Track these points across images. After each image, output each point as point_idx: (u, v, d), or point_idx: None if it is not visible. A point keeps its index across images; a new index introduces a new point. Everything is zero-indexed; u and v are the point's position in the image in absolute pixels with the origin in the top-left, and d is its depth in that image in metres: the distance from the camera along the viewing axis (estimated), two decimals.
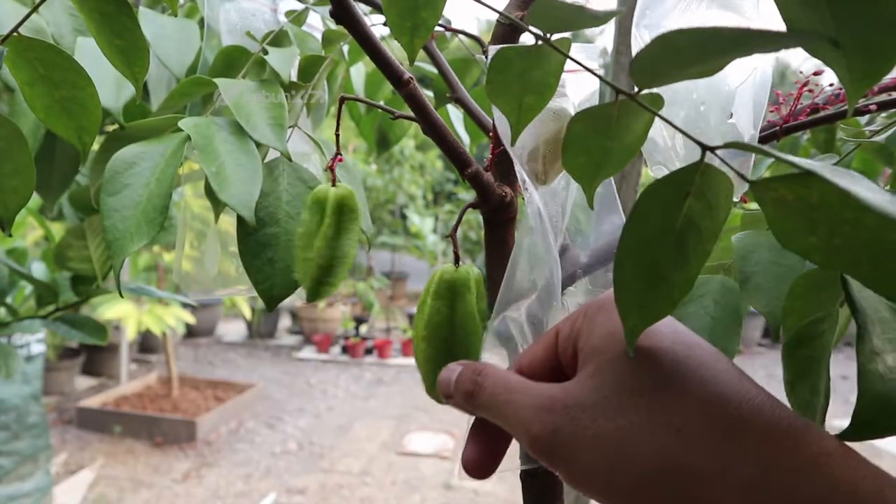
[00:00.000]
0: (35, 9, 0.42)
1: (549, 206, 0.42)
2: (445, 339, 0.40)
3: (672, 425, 0.26)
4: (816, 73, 0.48)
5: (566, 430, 0.27)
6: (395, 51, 0.45)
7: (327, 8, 0.42)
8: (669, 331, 0.29)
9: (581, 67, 0.31)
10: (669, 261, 0.27)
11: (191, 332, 5.72)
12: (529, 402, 0.29)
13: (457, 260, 0.42)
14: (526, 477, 0.41)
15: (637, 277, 0.27)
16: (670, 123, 0.28)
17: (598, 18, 0.27)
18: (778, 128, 0.47)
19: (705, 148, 0.26)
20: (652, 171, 0.42)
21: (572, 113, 0.42)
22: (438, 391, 0.36)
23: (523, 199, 0.45)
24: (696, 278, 0.27)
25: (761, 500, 0.24)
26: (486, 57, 0.38)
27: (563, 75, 0.33)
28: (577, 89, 0.43)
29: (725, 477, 0.24)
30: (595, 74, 0.32)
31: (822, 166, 0.21)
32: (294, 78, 0.55)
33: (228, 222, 0.56)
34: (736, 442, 0.25)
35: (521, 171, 0.40)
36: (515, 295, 0.41)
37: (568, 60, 0.32)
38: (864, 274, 0.24)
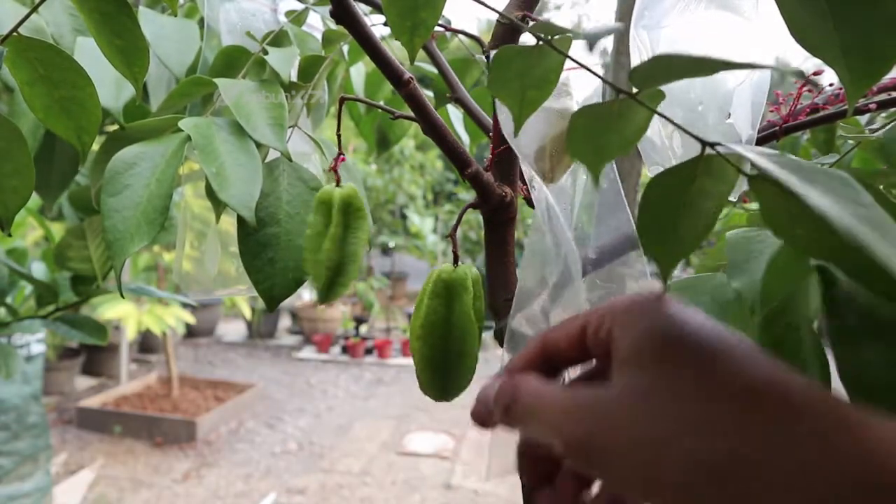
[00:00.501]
0: (35, 9, 0.42)
1: (560, 202, 0.42)
2: (442, 338, 0.40)
3: (710, 429, 0.25)
4: (816, 73, 0.48)
5: (601, 434, 0.27)
6: (395, 51, 0.45)
7: (327, 8, 0.42)
8: (696, 324, 0.29)
9: (581, 67, 0.32)
10: (686, 219, 0.29)
11: (191, 332, 5.72)
12: (562, 406, 0.29)
13: (455, 260, 0.42)
14: None
15: (657, 235, 0.30)
16: (669, 120, 0.28)
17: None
18: (778, 127, 0.47)
19: (705, 143, 0.27)
20: (650, 172, 0.42)
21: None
22: (476, 409, 0.35)
23: (523, 199, 0.45)
24: (709, 230, 0.30)
25: (811, 484, 0.24)
26: (488, 58, 0.38)
27: (567, 73, 0.33)
28: (581, 87, 0.43)
29: (774, 466, 0.24)
30: (595, 74, 0.32)
31: (790, 169, 0.23)
32: (294, 78, 0.55)
33: (229, 222, 0.56)
34: (781, 429, 0.25)
35: (528, 171, 0.40)
36: (528, 294, 0.41)
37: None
38: (844, 264, 0.26)
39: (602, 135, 0.30)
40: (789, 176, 0.22)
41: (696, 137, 0.27)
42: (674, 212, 0.29)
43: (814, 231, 0.25)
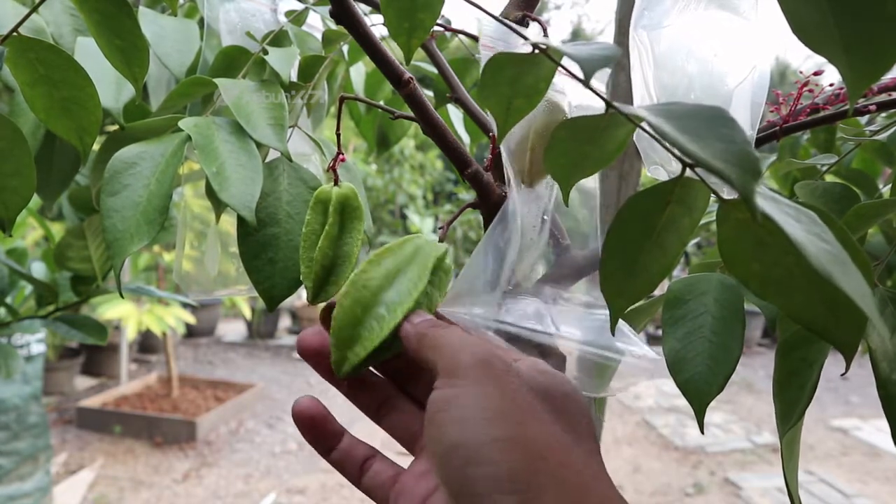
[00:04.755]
0: (35, 9, 0.42)
1: (531, 208, 0.41)
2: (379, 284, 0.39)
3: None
4: (816, 73, 0.48)
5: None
6: (394, 51, 0.45)
7: (327, 8, 0.42)
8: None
9: (577, 79, 0.32)
10: (649, 255, 0.30)
11: (191, 332, 5.72)
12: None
13: (441, 240, 0.41)
14: None
15: (619, 271, 0.31)
16: (655, 138, 0.28)
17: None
18: (778, 128, 0.47)
19: (686, 164, 0.28)
20: (649, 172, 0.42)
21: (566, 108, 0.42)
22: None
23: None
24: (673, 264, 0.31)
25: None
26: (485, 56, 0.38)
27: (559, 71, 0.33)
28: (577, 87, 0.43)
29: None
30: (588, 86, 0.32)
31: (775, 203, 0.23)
32: (294, 78, 0.55)
33: (229, 222, 0.56)
34: None
35: (507, 169, 0.40)
36: (468, 289, 0.39)
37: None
38: (793, 304, 0.27)
39: (582, 149, 0.31)
40: (767, 203, 0.23)
41: (678, 157, 0.28)
42: (638, 246, 0.30)
43: (773, 266, 0.26)
